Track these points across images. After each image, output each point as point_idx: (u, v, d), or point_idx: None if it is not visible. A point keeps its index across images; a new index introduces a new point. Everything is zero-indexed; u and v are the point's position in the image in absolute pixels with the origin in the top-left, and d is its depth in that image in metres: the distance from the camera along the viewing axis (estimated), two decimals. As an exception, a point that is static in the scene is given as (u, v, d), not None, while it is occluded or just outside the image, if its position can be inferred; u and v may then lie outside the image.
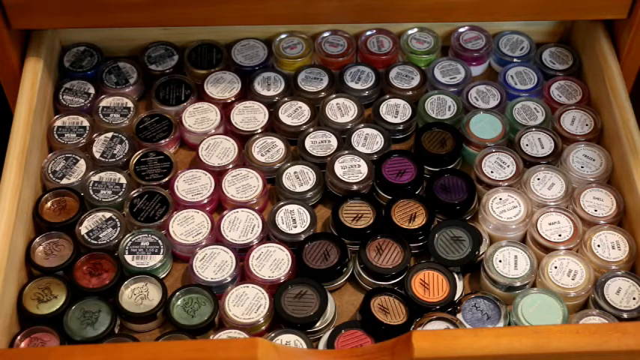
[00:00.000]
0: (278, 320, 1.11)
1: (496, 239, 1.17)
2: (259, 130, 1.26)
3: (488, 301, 1.11)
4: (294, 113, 1.27)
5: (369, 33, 1.35)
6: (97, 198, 1.18)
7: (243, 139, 1.25)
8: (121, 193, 1.19)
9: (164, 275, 1.16)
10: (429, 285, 1.12)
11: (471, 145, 1.24)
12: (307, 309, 1.10)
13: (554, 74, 1.32)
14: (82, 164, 1.21)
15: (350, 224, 1.17)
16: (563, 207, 1.17)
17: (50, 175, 1.20)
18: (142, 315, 1.10)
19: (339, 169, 1.21)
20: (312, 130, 1.25)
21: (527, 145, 1.23)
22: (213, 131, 1.25)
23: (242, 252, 1.15)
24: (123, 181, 1.20)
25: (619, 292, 1.10)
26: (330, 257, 1.14)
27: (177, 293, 1.11)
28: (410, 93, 1.30)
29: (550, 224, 1.15)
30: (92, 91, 1.29)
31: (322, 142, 1.25)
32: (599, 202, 1.17)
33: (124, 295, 1.11)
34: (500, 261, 1.13)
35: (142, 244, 1.15)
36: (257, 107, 1.28)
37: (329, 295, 1.12)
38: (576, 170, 1.20)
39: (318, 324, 1.10)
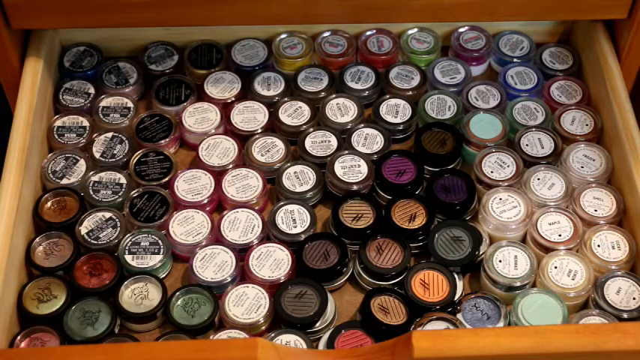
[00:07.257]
0: (278, 320, 1.11)
1: (496, 239, 1.17)
2: (259, 130, 1.26)
3: (488, 301, 1.11)
4: (294, 113, 1.27)
5: (369, 33, 1.35)
6: (97, 198, 1.18)
7: (243, 139, 1.25)
8: (121, 193, 1.19)
9: (164, 275, 1.16)
10: (429, 285, 1.12)
11: (471, 145, 1.24)
12: (307, 309, 1.10)
13: (554, 74, 1.32)
14: (82, 164, 1.21)
15: (350, 224, 1.17)
16: (563, 207, 1.17)
17: (50, 175, 1.20)
18: (142, 315, 1.10)
19: (339, 169, 1.21)
20: (312, 130, 1.25)
21: (527, 145, 1.23)
22: (213, 131, 1.25)
23: (242, 252, 1.15)
24: (123, 181, 1.20)
25: (619, 292, 1.10)
26: (330, 257, 1.14)
27: (177, 293, 1.11)
28: (410, 93, 1.30)
29: (550, 224, 1.15)
30: (92, 91, 1.29)
31: (322, 142, 1.24)
32: (599, 202, 1.17)
33: (124, 295, 1.11)
34: (500, 261, 1.13)
35: (142, 244, 1.15)
36: (257, 107, 1.28)
37: (329, 295, 1.12)
38: (576, 170, 1.20)
39: (318, 324, 1.10)
